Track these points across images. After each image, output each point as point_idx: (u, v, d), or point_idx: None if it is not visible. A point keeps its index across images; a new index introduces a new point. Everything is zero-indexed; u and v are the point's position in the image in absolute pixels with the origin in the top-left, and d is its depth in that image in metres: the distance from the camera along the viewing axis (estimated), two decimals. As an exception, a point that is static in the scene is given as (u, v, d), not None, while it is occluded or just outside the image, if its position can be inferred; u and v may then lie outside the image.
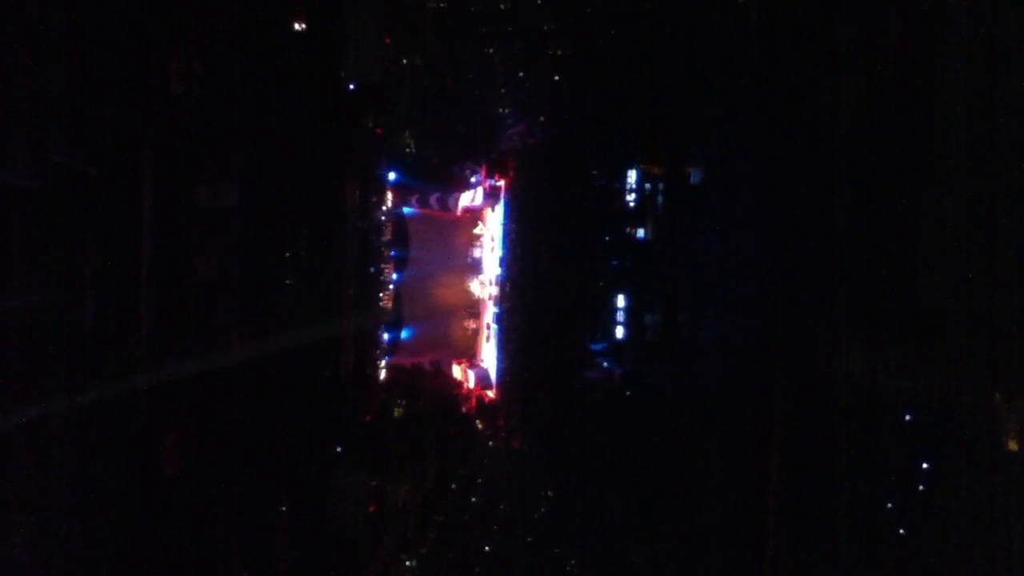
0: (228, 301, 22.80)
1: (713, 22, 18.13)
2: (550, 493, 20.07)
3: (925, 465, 16.15)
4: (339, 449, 22.35)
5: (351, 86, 23.12)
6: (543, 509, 20.04)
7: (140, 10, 19.89)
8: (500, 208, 23.79)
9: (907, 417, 15.81)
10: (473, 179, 24.72)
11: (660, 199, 20.62)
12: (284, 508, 20.39)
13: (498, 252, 23.53)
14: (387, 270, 24.51)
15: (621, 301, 20.56)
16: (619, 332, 20.45)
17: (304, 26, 21.25)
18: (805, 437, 16.26)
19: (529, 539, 19.63)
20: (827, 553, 15.48)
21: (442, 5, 22.97)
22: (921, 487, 16.15)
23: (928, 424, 15.75)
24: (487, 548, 20.08)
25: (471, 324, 24.67)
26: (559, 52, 21.85)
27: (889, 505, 16.28)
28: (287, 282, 23.46)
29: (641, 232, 21.17)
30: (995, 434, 15.36)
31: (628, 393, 19.64)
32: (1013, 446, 15.44)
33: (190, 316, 21.81)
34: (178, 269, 22.03)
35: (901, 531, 16.06)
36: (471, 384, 23.04)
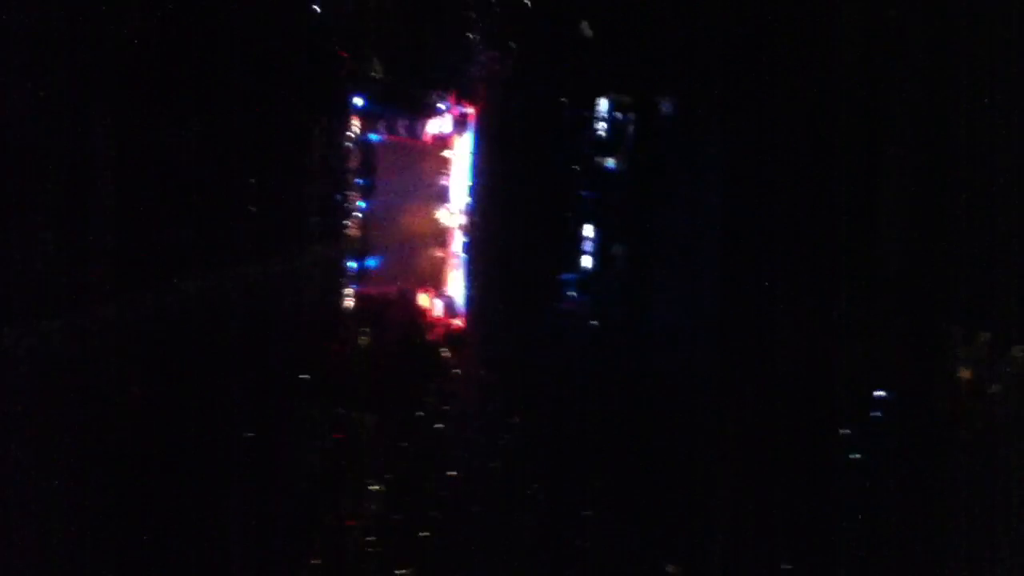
0: (191, 229, 22.54)
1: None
2: (516, 420, 20.32)
3: (880, 393, 16.53)
4: (304, 377, 22.39)
5: (316, 8, 22.60)
6: (508, 436, 20.30)
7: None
8: (469, 136, 23.53)
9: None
10: (442, 106, 24.38)
11: (631, 129, 20.53)
12: (250, 435, 20.47)
13: (467, 181, 23.35)
14: (353, 198, 24.25)
15: (589, 232, 20.61)
16: (587, 263, 20.52)
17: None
18: (765, 369, 16.55)
19: (494, 465, 19.91)
20: (787, 481, 15.91)
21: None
22: (876, 413, 16.55)
23: (884, 357, 16.10)
24: (453, 474, 20.34)
25: (438, 253, 24.53)
26: (531, -24, 21.44)
27: (845, 431, 16.68)
28: (251, 209, 23.19)
29: (611, 162, 21.10)
30: (951, 365, 15.76)
31: (594, 323, 19.79)
32: (966, 375, 15.85)
33: (153, 246, 21.59)
34: (139, 196, 21.74)
35: (856, 456, 16.50)
36: (438, 313, 23.03)
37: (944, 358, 15.63)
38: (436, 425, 20.82)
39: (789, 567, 15.47)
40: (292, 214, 23.97)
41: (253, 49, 21.49)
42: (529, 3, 21.03)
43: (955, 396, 15.41)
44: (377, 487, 20.53)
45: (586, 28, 20.44)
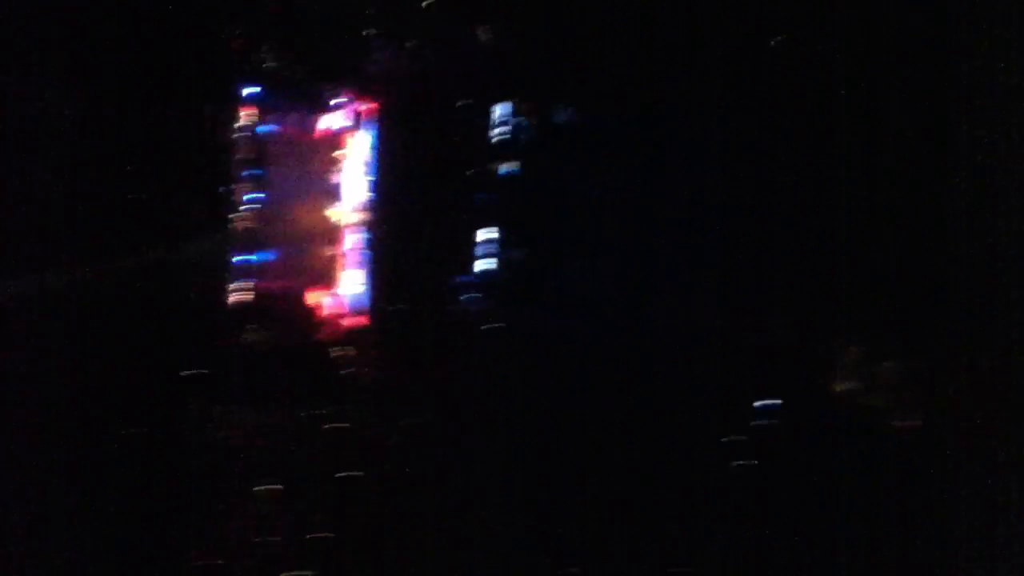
0: (66, 218, 21.51)
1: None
2: (405, 423, 20.25)
3: (762, 403, 17.26)
4: (187, 374, 21.71)
5: (209, -8, 21.90)
6: (397, 437, 20.22)
7: None
8: (365, 132, 23.21)
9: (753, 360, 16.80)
10: (336, 101, 23.99)
11: (528, 135, 20.78)
12: (130, 432, 19.68)
13: (363, 177, 23.02)
14: (241, 190, 23.58)
15: (486, 235, 20.69)
16: (484, 266, 20.57)
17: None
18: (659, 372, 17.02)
19: (386, 466, 19.79)
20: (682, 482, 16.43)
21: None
22: (756, 422, 17.26)
23: (770, 365, 16.79)
24: (341, 474, 20.14)
25: (331, 249, 24.09)
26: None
27: (724, 439, 17.30)
28: (131, 197, 22.30)
29: (506, 167, 21.32)
30: (829, 375, 16.63)
31: (491, 326, 19.87)
32: (840, 388, 16.71)
33: (25, 234, 20.49)
34: (10, 184, 20.59)
35: (738, 463, 17.16)
36: (330, 311, 22.62)
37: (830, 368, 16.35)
38: (326, 425, 20.56)
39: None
40: (175, 204, 23.18)
41: (137, 31, 20.73)
42: (427, 3, 21.07)
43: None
44: (265, 487, 20.12)
45: (485, 31, 20.62)
